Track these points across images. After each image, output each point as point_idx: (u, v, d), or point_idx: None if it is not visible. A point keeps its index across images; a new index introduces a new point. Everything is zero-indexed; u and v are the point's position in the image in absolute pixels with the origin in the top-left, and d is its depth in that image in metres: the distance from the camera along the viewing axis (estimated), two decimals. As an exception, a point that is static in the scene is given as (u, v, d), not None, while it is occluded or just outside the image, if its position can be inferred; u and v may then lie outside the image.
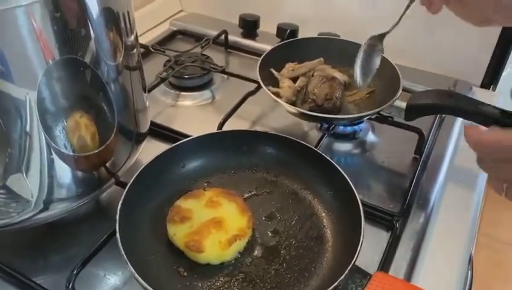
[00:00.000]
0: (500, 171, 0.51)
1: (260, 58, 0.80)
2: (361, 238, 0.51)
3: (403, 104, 0.67)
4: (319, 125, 0.82)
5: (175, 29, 1.12)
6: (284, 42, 0.88)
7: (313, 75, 0.79)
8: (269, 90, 0.75)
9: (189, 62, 0.93)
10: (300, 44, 0.86)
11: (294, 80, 0.82)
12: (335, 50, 0.85)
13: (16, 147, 0.49)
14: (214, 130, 0.72)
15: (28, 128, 0.48)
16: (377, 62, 0.71)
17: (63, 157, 0.52)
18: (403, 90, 0.73)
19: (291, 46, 0.86)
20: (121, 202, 0.55)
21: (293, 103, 0.77)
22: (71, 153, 0.53)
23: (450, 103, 0.62)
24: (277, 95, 0.76)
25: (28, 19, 0.42)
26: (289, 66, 0.84)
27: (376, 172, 0.75)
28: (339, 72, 0.82)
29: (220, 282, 0.54)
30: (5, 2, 0.40)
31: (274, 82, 0.81)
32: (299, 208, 0.62)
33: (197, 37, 1.07)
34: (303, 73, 0.82)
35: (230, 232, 0.56)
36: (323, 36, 0.90)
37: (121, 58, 0.55)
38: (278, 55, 0.83)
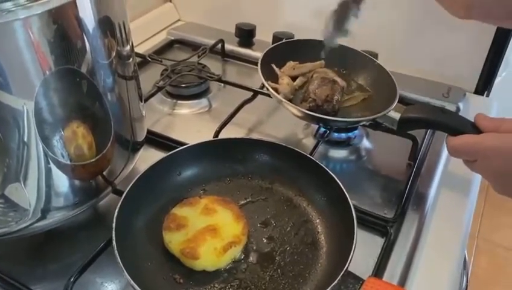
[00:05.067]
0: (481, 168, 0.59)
1: (263, 53, 0.81)
2: (354, 244, 0.52)
3: (396, 115, 0.68)
4: (314, 132, 0.83)
5: (172, 38, 1.13)
6: (287, 40, 0.89)
7: (312, 77, 0.80)
8: (269, 84, 0.75)
9: (186, 71, 0.94)
10: (302, 44, 0.86)
11: (293, 79, 0.83)
12: (336, 55, 0.86)
13: (14, 157, 0.49)
14: (211, 138, 0.73)
15: (25, 138, 0.49)
16: (349, 23, 0.72)
17: (60, 166, 0.53)
18: (395, 98, 0.74)
19: (294, 45, 0.87)
20: (117, 210, 0.55)
21: (290, 101, 0.77)
22: (68, 162, 0.54)
23: (442, 119, 0.64)
24: (275, 90, 0.76)
25: (26, 32, 0.43)
26: (290, 64, 0.85)
27: (370, 178, 0.76)
28: (338, 76, 0.83)
29: (216, 288, 0.54)
30: (3, 16, 0.41)
31: (273, 80, 0.81)
32: (294, 214, 0.63)
33: (194, 46, 1.08)
34: (303, 73, 0.83)
35: (225, 239, 0.57)
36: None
37: (117, 68, 0.56)
38: (280, 52, 0.84)
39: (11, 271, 0.58)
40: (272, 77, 0.81)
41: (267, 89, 0.75)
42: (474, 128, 0.61)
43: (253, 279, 0.55)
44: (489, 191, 0.75)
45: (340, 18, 0.72)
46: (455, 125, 0.62)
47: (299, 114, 0.74)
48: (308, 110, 0.73)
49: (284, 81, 0.79)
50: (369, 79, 0.84)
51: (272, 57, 0.82)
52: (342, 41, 0.84)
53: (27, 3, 0.42)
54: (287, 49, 0.86)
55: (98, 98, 0.54)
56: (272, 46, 0.85)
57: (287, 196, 0.65)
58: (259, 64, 0.78)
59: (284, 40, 0.89)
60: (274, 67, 0.83)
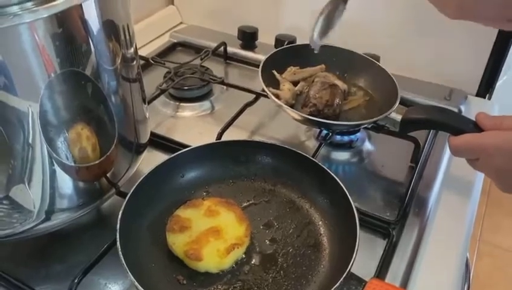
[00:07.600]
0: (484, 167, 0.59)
1: (263, 59, 0.81)
2: (356, 246, 0.52)
3: (397, 116, 0.68)
4: (317, 134, 0.83)
5: (175, 41, 1.14)
6: (287, 46, 0.89)
7: (313, 81, 0.80)
8: (269, 91, 0.76)
9: (189, 73, 0.94)
10: (303, 49, 0.86)
11: (295, 84, 0.83)
12: (336, 58, 0.86)
13: (19, 159, 0.50)
14: (213, 140, 0.74)
15: (30, 140, 0.49)
16: (337, 22, 0.72)
17: (64, 168, 0.54)
18: (397, 100, 0.74)
19: (294, 50, 0.87)
20: (121, 212, 0.56)
21: (291, 106, 0.78)
22: (73, 164, 0.54)
23: (444, 119, 0.64)
24: (277, 96, 0.77)
25: (31, 35, 0.43)
26: (291, 69, 0.85)
27: (373, 180, 0.76)
28: (339, 80, 0.84)
29: (219, 290, 0.55)
30: (10, 19, 0.41)
31: (275, 85, 0.81)
32: (297, 216, 0.63)
33: (196, 49, 1.09)
34: (304, 78, 0.84)
35: (228, 240, 0.57)
36: (326, 44, 0.91)
37: (121, 71, 0.57)
38: (280, 58, 0.85)
39: (16, 272, 0.58)
40: (273, 82, 0.81)
41: (268, 95, 0.76)
42: (475, 127, 0.61)
43: (256, 280, 0.55)
44: (490, 193, 0.75)
45: (329, 19, 0.72)
46: (457, 124, 0.62)
47: (301, 119, 0.74)
48: (309, 114, 0.73)
49: (285, 87, 0.80)
50: (370, 82, 0.85)
51: (272, 63, 0.83)
52: (344, 45, 0.85)
53: (33, 7, 0.42)
54: (287, 54, 0.86)
55: (102, 101, 0.55)
56: (272, 52, 0.85)
57: (289, 198, 0.66)
58: (259, 72, 0.78)
59: (283, 46, 0.89)
60: (275, 73, 0.83)
